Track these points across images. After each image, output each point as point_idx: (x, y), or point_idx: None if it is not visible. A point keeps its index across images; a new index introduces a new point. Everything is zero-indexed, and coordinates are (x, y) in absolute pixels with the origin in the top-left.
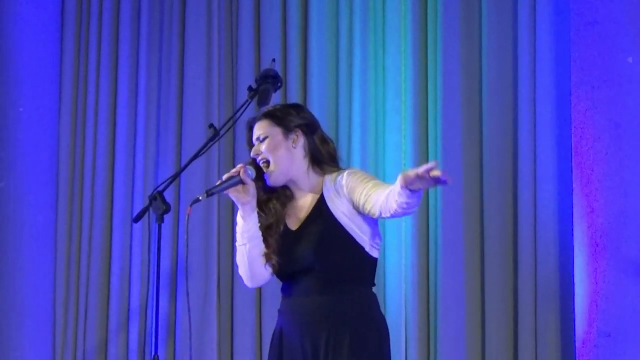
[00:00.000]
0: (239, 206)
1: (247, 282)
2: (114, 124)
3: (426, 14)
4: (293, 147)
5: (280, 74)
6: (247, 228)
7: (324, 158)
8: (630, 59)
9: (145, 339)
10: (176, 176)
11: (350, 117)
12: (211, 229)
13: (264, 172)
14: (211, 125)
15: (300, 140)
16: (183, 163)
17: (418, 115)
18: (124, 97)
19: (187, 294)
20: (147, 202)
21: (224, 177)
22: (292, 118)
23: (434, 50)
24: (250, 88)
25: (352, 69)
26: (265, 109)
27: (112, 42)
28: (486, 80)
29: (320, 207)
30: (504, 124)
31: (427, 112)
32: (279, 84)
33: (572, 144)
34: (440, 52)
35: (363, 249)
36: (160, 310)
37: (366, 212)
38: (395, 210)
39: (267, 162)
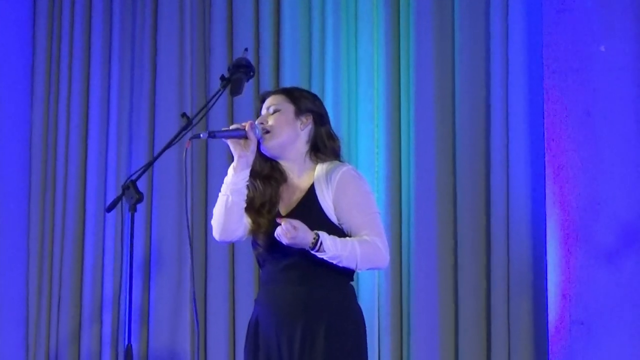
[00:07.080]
0: (235, 158)
1: (217, 234)
2: (87, 114)
3: (399, 4)
4: (301, 128)
5: (253, 63)
6: (235, 180)
7: (326, 151)
8: (602, 48)
9: (119, 328)
10: (149, 165)
11: None
12: (184, 216)
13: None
14: (184, 115)
15: (309, 125)
16: (156, 152)
17: (390, 104)
18: (97, 86)
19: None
20: (120, 191)
21: (232, 126)
22: (307, 101)
23: (407, 40)
24: (222, 77)
25: (324, 58)
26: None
27: (84, 33)
28: (459, 69)
29: (310, 196)
30: (477, 112)
31: (399, 101)
32: (252, 73)
33: (545, 133)
34: (412, 42)
35: None
36: (134, 300)
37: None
38: None
39: (269, 132)
